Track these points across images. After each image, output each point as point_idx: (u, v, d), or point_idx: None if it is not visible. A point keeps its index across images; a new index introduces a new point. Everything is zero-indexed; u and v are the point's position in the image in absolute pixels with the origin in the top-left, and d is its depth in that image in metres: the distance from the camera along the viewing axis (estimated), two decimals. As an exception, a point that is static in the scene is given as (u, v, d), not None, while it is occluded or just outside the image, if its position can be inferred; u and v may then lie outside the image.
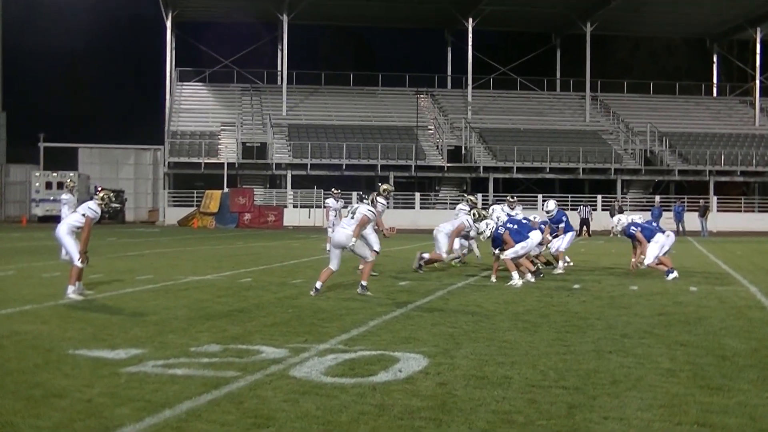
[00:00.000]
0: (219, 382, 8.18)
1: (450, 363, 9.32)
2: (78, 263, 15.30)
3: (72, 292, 15.07)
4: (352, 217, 16.50)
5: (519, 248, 18.50)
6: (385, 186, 20.43)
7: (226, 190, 60.95)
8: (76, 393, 7.73)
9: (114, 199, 18.81)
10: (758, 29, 77.74)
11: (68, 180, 24.85)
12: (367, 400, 7.63)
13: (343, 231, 16.25)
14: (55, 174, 64.79)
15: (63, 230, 15.79)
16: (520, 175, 65.91)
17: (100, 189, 20.26)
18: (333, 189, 31.22)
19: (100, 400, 7.48)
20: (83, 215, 15.68)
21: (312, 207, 61.07)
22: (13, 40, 71.55)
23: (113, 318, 12.48)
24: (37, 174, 65.60)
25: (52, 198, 63.25)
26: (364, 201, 18.79)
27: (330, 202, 29.56)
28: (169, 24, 72.43)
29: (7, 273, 19.77)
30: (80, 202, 54.03)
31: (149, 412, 7.15)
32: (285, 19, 72.12)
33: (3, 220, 65.62)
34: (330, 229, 26.94)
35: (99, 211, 16.06)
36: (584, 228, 48.71)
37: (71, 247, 15.59)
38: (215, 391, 7.83)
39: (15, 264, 22.46)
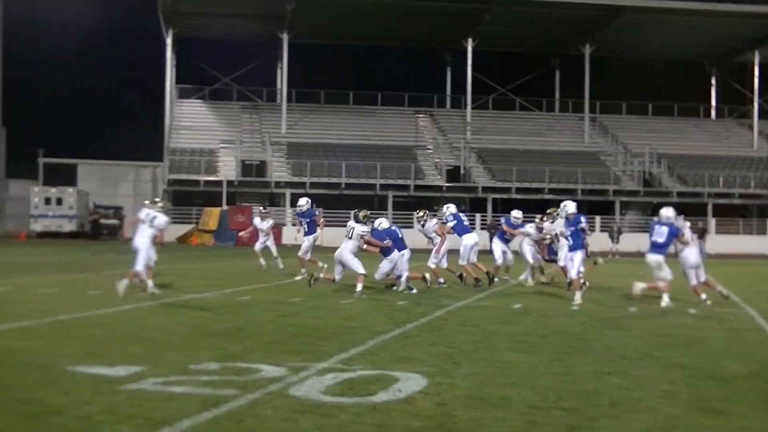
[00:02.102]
0: (218, 400, 8.16)
1: (449, 383, 9.30)
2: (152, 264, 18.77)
3: (151, 287, 18.25)
4: (350, 238, 19.41)
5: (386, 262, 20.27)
6: (363, 213, 20.59)
7: (225, 207, 60.95)
8: (75, 410, 7.71)
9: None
10: (756, 52, 78.06)
11: (159, 201, 25.03)
12: (366, 419, 7.60)
13: (344, 249, 19.36)
14: (54, 189, 64.80)
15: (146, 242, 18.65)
16: (518, 196, 65.85)
17: (158, 199, 21.02)
18: (261, 208, 31.15)
19: (100, 418, 7.46)
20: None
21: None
22: (13, 56, 71.70)
23: (112, 335, 12.45)
24: (36, 189, 65.58)
25: (50, 213, 63.32)
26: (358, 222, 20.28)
27: (256, 221, 29.36)
28: (169, 41, 72.56)
29: (5, 288, 19.72)
30: (78, 218, 53.66)
31: (148, 429, 7.13)
32: (285, 37, 72.27)
33: (1, 235, 65.55)
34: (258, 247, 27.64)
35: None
36: None
37: (147, 254, 18.54)
38: (215, 409, 7.81)
39: (12, 279, 22.40)
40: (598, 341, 12.95)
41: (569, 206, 19.96)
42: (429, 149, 72.38)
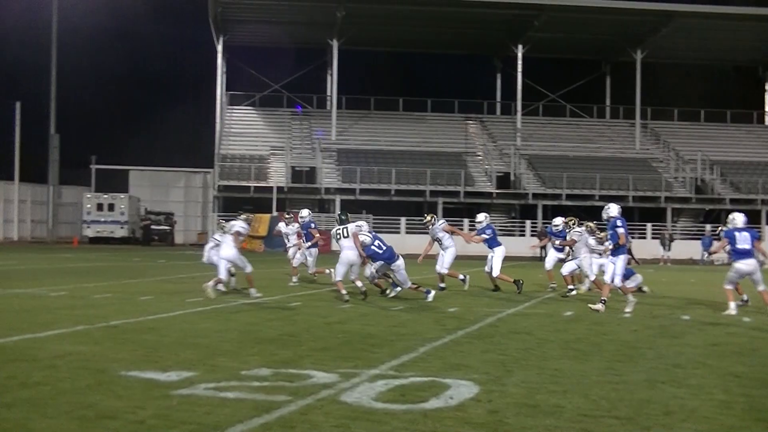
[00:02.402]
0: (270, 406, 8.18)
1: (501, 390, 9.26)
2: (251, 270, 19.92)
3: (254, 293, 19.31)
4: (347, 237, 19.70)
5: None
6: (344, 215, 20.91)
7: (275, 213, 61.17)
8: (129, 414, 7.76)
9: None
10: (812, 57, 77.17)
11: (293, 215, 25.42)
12: (418, 426, 7.59)
13: (352, 251, 19.47)
14: (106, 196, 65.49)
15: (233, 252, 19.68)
16: (569, 202, 65.49)
17: (244, 213, 21.56)
18: (285, 213, 30.61)
19: (152, 422, 7.51)
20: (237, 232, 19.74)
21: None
22: (66, 65, 72.43)
23: (164, 340, 12.54)
24: (89, 196, 66.33)
25: (102, 219, 63.98)
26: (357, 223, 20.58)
27: (280, 225, 27.94)
28: (220, 48, 72.99)
29: (59, 294, 19.94)
30: (130, 224, 54.13)
31: (201, 435, 7.17)
32: (335, 44, 72.40)
33: (55, 240, 66.27)
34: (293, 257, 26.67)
35: (248, 228, 20.42)
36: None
37: (242, 261, 19.78)
38: (266, 415, 7.83)
39: (67, 285, 22.66)
40: (651, 349, 12.83)
41: (612, 209, 19.80)
42: (479, 156, 72.15)
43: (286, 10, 69.45)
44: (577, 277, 23.85)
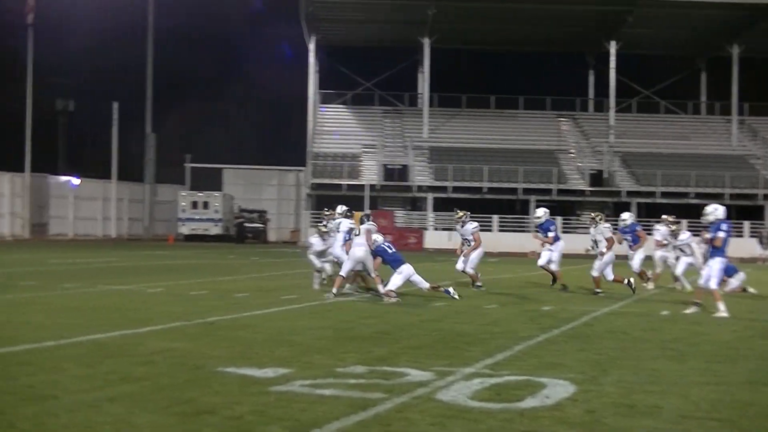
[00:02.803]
0: (366, 403, 8.19)
1: (597, 390, 9.16)
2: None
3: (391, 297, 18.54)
4: (358, 234, 19.85)
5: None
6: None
7: (367, 211, 61.37)
8: (227, 410, 7.84)
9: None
10: None
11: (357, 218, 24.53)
12: (514, 426, 7.54)
13: (361, 248, 19.44)
14: (200, 194, 66.35)
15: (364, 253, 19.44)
16: (663, 200, 64.56)
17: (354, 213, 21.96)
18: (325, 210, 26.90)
19: (250, 418, 7.57)
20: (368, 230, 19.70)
21: (452, 230, 60.94)
22: (162, 65, 73.50)
23: (259, 337, 12.64)
24: (184, 194, 67.24)
25: (197, 217, 64.81)
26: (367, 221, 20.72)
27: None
28: (312, 47, 73.41)
29: (156, 290, 20.25)
30: (224, 221, 54.86)
31: (298, 431, 7.20)
32: (427, 42, 72.39)
33: (151, 238, 67.33)
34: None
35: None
36: None
37: (370, 263, 19.48)
38: (363, 412, 7.84)
39: (164, 281, 22.99)
40: (751, 350, 12.59)
41: (719, 211, 19.44)
42: (571, 153, 71.55)
43: (378, 8, 69.66)
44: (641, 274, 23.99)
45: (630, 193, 65.63)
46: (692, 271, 22.94)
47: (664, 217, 25.12)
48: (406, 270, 19.09)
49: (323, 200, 65.09)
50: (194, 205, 65.79)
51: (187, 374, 9.54)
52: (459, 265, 23.10)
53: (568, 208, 66.89)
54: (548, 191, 65.27)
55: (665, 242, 24.32)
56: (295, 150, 76.10)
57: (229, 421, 7.49)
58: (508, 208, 65.18)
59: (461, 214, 23.35)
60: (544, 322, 15.42)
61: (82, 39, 73.09)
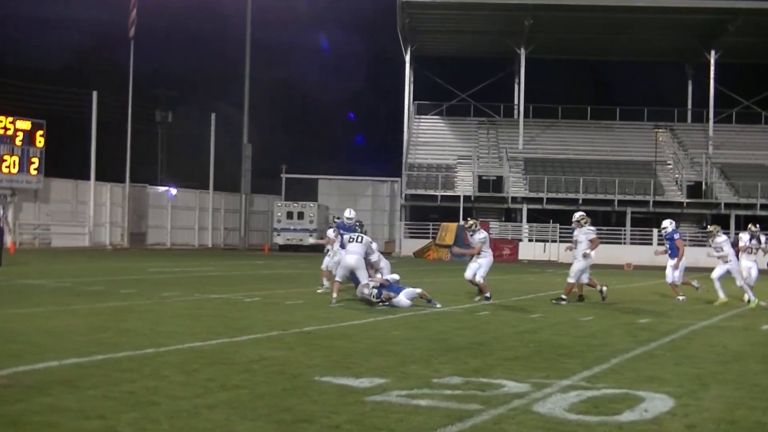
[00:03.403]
0: (462, 414, 8.19)
1: (697, 405, 9.04)
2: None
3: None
4: (359, 242, 20.43)
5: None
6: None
7: (461, 222, 61.30)
8: (324, 419, 7.91)
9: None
10: None
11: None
12: (613, 439, 7.49)
13: (353, 256, 20.06)
14: (296, 204, 66.81)
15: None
16: (764, 212, 63.34)
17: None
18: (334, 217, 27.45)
19: (347, 427, 7.63)
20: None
21: (548, 241, 60.69)
22: (258, 77, 74.40)
23: (356, 347, 12.71)
24: (279, 204, 67.80)
25: (292, 227, 65.31)
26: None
27: (329, 233, 25.75)
28: (408, 58, 73.71)
29: (253, 299, 20.48)
30: (318, 231, 54.98)
31: (395, 441, 7.25)
32: (522, 53, 72.23)
33: (247, 248, 68.05)
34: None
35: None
36: None
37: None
38: (459, 423, 7.84)
39: (260, 291, 23.25)
40: None
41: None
42: (669, 164, 70.65)
43: (474, 19, 69.71)
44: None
45: (729, 206, 64.55)
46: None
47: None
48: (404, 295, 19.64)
49: (418, 211, 65.28)
50: (289, 215, 66.27)
51: (285, 383, 9.64)
52: (468, 274, 22.71)
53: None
54: (645, 203, 64.53)
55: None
56: (390, 161, 76.46)
57: (326, 430, 7.55)
58: (603, 220, 64.55)
59: (471, 222, 23.22)
60: (641, 335, 15.26)
61: (181, 51, 74.44)
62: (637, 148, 72.89)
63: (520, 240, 62.19)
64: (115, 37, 68.11)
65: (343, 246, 21.47)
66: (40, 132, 53.57)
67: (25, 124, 52.79)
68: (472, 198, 65.25)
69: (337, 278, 20.47)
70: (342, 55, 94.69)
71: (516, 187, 66.63)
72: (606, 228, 63.05)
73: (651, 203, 64.47)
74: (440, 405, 8.62)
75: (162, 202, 66.46)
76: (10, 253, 37.72)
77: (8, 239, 39.86)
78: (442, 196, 65.56)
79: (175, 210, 67.05)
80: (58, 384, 9.15)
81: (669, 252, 24.19)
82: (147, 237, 64.96)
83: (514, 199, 65.55)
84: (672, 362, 12.10)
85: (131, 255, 49.57)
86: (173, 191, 67.79)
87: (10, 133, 52.16)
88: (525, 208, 64.64)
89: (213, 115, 68.76)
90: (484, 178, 67.54)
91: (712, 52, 72.29)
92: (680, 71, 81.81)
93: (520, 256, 59.06)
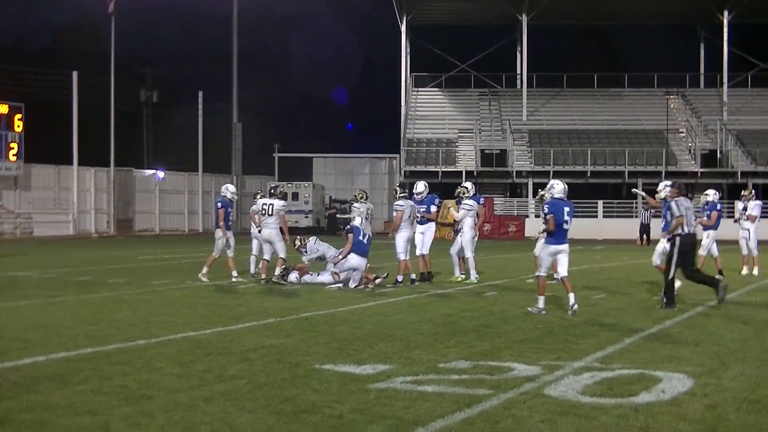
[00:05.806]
0: (471, 400, 8.23)
1: (717, 384, 9.08)
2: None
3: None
4: (270, 214, 21.65)
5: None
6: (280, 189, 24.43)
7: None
8: (326, 409, 7.94)
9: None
10: None
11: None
12: (629, 422, 7.52)
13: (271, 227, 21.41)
14: (290, 185, 66.69)
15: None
16: (783, 181, 63.40)
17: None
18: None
19: (351, 417, 7.66)
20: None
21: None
22: (246, 52, 74.21)
23: (358, 332, 12.74)
24: (273, 185, 67.69)
25: (286, 209, 65.24)
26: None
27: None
28: (403, 28, 73.36)
29: (248, 285, 20.51)
30: (314, 212, 54.90)
31: (401, 430, 7.27)
32: (524, 19, 71.95)
33: (239, 231, 68.02)
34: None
35: None
36: (644, 236, 47.08)
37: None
38: (468, 409, 7.88)
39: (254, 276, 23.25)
40: None
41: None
42: (681, 132, 70.49)
43: (473, -16, 69.45)
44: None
45: (746, 174, 64.44)
46: None
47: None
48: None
49: (418, 188, 65.06)
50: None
51: (285, 372, 9.68)
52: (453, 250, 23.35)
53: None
54: (657, 174, 64.28)
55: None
56: (387, 137, 76.36)
57: (329, 420, 7.59)
58: (613, 193, 64.53)
59: (459, 189, 23.31)
60: (657, 313, 15.29)
61: (165, 27, 74.24)
62: (647, 117, 72.68)
63: (527, 216, 62.11)
64: (95, 14, 67.81)
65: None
66: (19, 116, 53.28)
67: (2, 108, 52.54)
68: (475, 173, 65.05)
69: (265, 256, 21.88)
70: (334, 27, 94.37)
71: (521, 160, 66.47)
72: (616, 201, 63.02)
73: (663, 174, 64.15)
74: (447, 391, 8.65)
75: (149, 186, 66.33)
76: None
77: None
78: (443, 172, 65.40)
79: (163, 194, 66.90)
80: (46, 380, 9.18)
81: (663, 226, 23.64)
82: (134, 223, 64.89)
83: (519, 174, 65.42)
84: (690, 340, 12.15)
85: (118, 243, 49.58)
86: (161, 174, 67.62)
87: (-14, 117, 52.05)
88: (531, 182, 64.49)
89: (201, 93, 68.51)
90: (486, 152, 67.32)
91: (725, 13, 72.01)
92: (692, 34, 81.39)
93: (527, 233, 59.01)
